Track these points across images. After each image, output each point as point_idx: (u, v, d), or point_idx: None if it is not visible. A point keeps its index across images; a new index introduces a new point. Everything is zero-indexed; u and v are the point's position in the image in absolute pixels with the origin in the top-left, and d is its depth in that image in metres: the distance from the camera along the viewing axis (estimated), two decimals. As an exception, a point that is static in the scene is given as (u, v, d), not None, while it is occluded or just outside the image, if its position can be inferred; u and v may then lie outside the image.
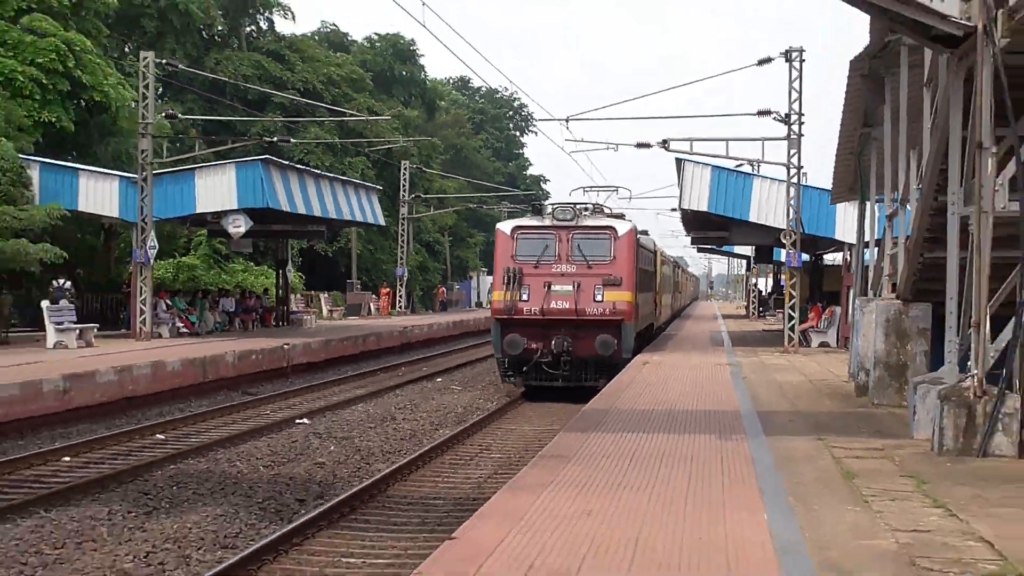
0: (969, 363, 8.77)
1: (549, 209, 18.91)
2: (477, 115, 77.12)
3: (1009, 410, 8.45)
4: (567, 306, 17.81)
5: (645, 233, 24.33)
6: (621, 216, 20.56)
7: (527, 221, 19.23)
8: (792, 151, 23.45)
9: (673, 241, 55.15)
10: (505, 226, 19.30)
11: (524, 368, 18.27)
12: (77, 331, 20.45)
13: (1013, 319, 8.64)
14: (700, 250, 46.71)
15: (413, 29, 73.50)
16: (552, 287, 17.84)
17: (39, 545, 7.86)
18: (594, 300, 17.88)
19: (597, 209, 19.71)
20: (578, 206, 18.90)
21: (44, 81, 24.98)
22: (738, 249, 47.51)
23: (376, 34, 59.68)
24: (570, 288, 17.84)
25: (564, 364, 18.00)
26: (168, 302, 25.33)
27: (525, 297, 17.85)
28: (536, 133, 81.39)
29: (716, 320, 44.01)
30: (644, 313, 22.30)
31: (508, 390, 18.75)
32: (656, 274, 26.57)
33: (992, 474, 7.84)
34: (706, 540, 5.66)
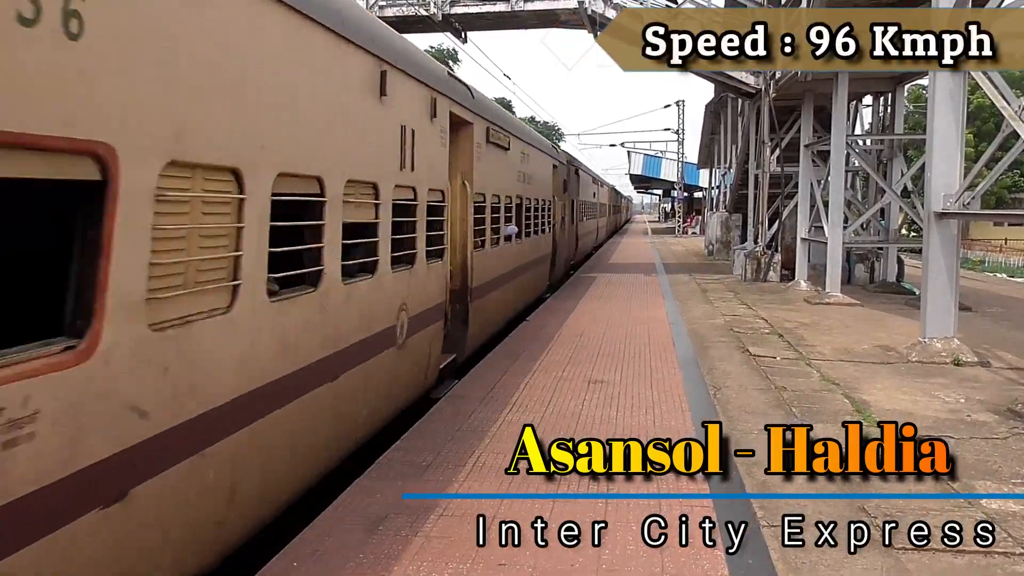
0: (758, 240, 18.71)
1: None
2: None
3: (775, 261, 18.38)
4: None
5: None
6: None
7: None
8: (679, 146, 52.57)
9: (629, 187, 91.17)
10: None
11: None
12: None
13: (777, 220, 18.58)
14: (637, 190, 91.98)
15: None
16: None
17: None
18: None
19: None
20: None
21: None
22: (654, 191, 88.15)
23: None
24: None
25: None
26: None
27: None
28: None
29: (645, 224, 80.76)
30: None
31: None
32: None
33: (767, 289, 17.03)
34: (638, 316, 13.74)
